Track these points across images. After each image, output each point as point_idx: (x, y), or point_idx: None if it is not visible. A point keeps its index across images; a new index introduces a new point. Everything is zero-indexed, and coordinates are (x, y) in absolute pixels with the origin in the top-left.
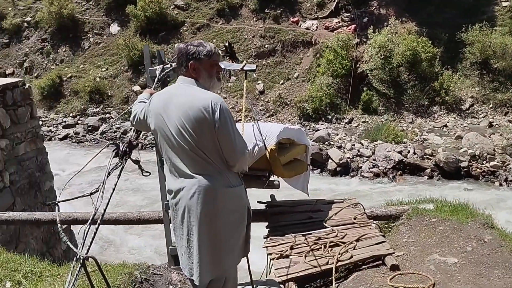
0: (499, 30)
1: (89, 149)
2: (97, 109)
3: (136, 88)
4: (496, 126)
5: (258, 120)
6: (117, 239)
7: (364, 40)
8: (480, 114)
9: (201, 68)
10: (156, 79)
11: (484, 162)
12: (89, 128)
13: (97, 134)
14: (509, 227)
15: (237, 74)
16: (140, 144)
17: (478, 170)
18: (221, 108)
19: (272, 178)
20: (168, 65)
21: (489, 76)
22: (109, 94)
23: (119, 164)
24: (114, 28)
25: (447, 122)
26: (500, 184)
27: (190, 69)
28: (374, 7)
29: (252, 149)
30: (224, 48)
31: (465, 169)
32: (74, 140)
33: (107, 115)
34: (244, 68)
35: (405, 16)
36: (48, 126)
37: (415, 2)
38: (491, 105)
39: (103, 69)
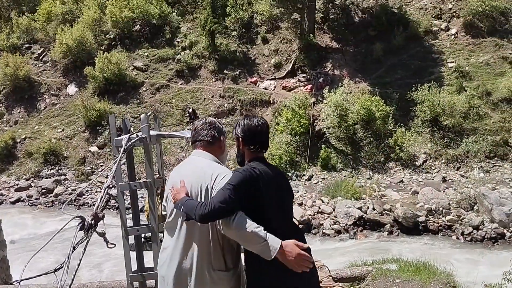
0: (446, 89)
1: (43, 213)
2: (52, 171)
3: (94, 148)
4: (450, 181)
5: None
6: None
7: (320, 99)
8: (434, 170)
9: (225, 144)
10: (122, 149)
11: (441, 216)
12: (43, 190)
13: (51, 196)
14: (469, 284)
15: None
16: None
17: (435, 224)
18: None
19: None
20: (134, 135)
21: (440, 133)
22: (65, 155)
23: (85, 238)
24: (72, 89)
25: (403, 177)
26: (457, 238)
27: (221, 142)
28: (328, 68)
29: None
30: (187, 114)
31: (423, 224)
32: (27, 204)
33: (62, 177)
34: None
35: (358, 77)
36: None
37: (367, 63)
38: (443, 161)
39: (59, 130)
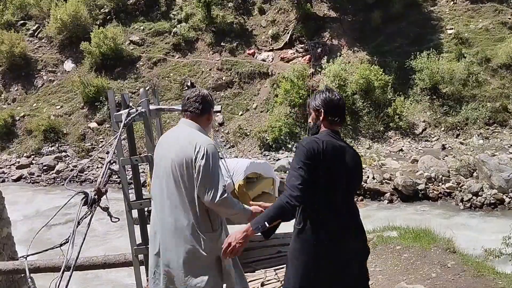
0: (445, 56)
1: (45, 190)
2: (52, 148)
3: (93, 124)
4: (449, 148)
5: (224, 155)
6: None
7: (319, 70)
8: (433, 138)
9: (212, 116)
10: (122, 124)
11: (440, 184)
12: (45, 167)
13: (52, 173)
14: (469, 249)
15: None
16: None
17: (435, 192)
18: (206, 150)
19: None
20: (134, 110)
21: (439, 101)
22: (65, 132)
23: (88, 213)
24: (68, 65)
25: (403, 146)
26: (457, 205)
27: (210, 116)
28: (326, 38)
29: None
30: (186, 88)
31: (422, 192)
32: (29, 181)
33: (63, 154)
34: None
35: (357, 46)
36: (1, 168)
37: (366, 32)
38: (442, 129)
39: (58, 107)
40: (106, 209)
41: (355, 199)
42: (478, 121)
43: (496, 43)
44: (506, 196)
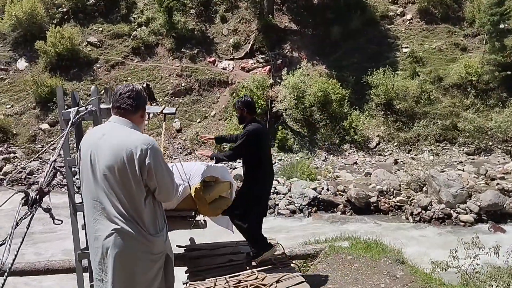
0: (400, 74)
1: None
2: (0, 149)
3: (45, 126)
4: (401, 163)
5: (181, 159)
6: None
7: (279, 81)
8: (386, 152)
9: (145, 112)
10: (70, 123)
11: (391, 197)
12: None
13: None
14: (417, 261)
15: (156, 116)
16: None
17: (386, 205)
18: (153, 149)
19: (198, 218)
20: (83, 108)
21: (393, 117)
22: (14, 132)
23: (28, 213)
24: (22, 63)
25: (357, 159)
26: (406, 218)
27: (144, 113)
28: (287, 50)
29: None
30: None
31: (374, 205)
32: None
33: (12, 155)
34: (164, 111)
35: (316, 60)
36: None
37: (325, 46)
38: (395, 144)
39: (8, 106)
40: (48, 210)
41: None
42: (429, 137)
43: (448, 63)
44: (453, 211)
